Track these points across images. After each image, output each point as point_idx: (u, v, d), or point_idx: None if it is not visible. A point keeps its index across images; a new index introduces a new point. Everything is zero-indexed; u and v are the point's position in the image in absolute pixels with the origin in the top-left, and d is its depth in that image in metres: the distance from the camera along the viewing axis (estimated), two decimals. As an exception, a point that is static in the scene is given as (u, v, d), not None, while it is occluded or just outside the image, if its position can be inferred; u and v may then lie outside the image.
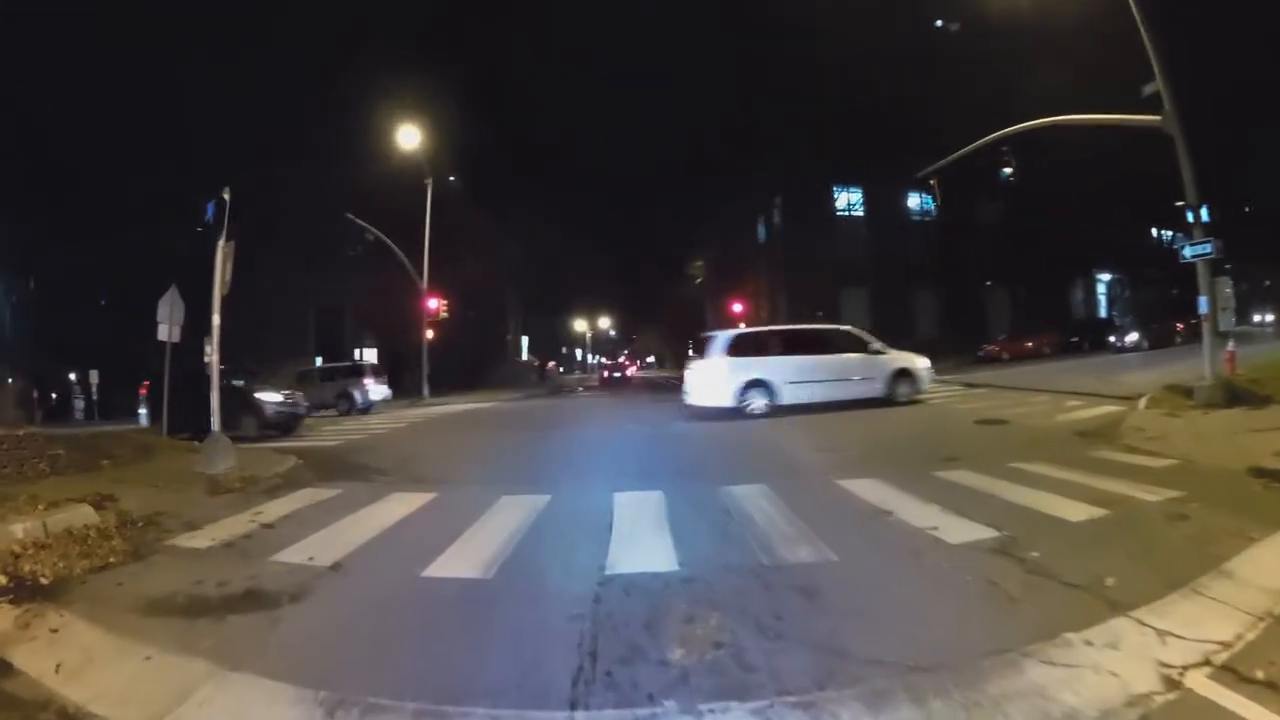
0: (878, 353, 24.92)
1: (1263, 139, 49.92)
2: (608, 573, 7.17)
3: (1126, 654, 5.00)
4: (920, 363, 25.78)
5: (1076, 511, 8.75)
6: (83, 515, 9.38)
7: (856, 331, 26.25)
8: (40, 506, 9.41)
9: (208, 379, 24.87)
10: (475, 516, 9.77)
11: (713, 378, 24.06)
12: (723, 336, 25.21)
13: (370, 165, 47.27)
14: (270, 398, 25.25)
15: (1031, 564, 6.89)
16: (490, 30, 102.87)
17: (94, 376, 53.53)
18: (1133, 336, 49.47)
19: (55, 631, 6.12)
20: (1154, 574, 6.44)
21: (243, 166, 49.83)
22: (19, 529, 8.44)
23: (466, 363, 57.02)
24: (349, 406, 37.32)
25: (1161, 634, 5.27)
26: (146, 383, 26.76)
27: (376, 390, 39.92)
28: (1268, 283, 68.78)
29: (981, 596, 6.19)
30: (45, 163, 55.46)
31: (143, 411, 26.90)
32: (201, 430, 22.27)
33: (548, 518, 9.84)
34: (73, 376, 66.35)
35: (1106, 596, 5.98)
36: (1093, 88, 27.51)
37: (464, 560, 7.83)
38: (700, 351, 25.57)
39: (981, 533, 7.99)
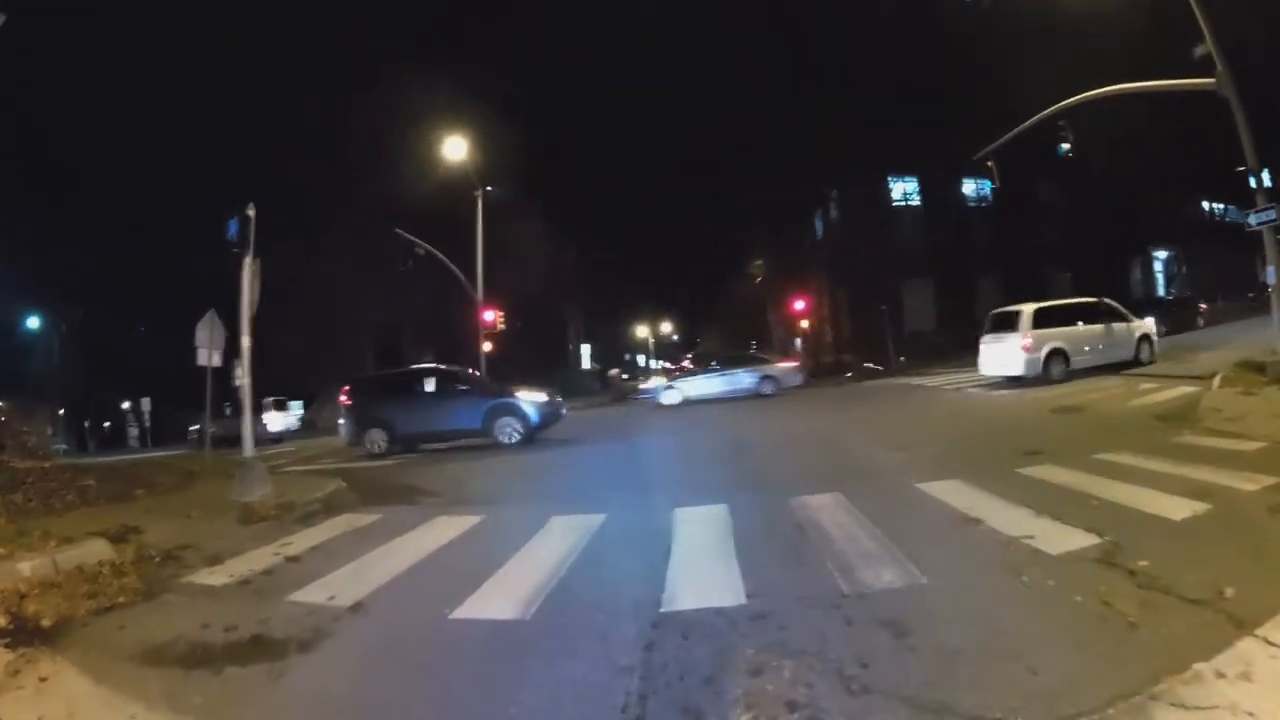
0: (1128, 321, 28.68)
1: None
2: (664, 610, 6.35)
3: (1261, 685, 4.31)
4: (1154, 328, 29.84)
5: (1177, 508, 8.09)
6: (96, 551, 9.02)
7: (1111, 302, 29.39)
8: (53, 542, 9.01)
9: (434, 376, 24.54)
10: (520, 542, 9.07)
11: (1016, 349, 26.80)
12: (1028, 311, 27.16)
13: (421, 177, 46.97)
14: (535, 398, 24.44)
15: (1142, 576, 6.15)
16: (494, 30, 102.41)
17: (146, 404, 53.77)
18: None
19: (44, 680, 5.67)
20: (1272, 579, 5.90)
21: (289, 183, 49.76)
22: (27, 567, 8.11)
23: (528, 374, 56.79)
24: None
25: (1292, 655, 4.59)
26: (349, 387, 25.69)
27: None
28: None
29: (1095, 622, 5.40)
30: (81, 189, 55.88)
31: (342, 423, 25.48)
32: (407, 440, 21.94)
33: (600, 541, 9.10)
34: (125, 405, 66.87)
35: (1229, 611, 5.31)
36: (1140, 58, 26.89)
37: (501, 597, 7.08)
38: (996, 327, 28.49)
39: (1082, 540, 7.25)
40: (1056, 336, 26.73)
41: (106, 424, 74.76)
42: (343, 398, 25.22)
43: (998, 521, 8.21)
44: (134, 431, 63.43)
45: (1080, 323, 27.53)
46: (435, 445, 23.99)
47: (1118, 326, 28.03)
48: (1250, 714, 3.99)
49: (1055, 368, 26.42)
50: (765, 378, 38.56)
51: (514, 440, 22.78)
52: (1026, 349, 26.38)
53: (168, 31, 59.65)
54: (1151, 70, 22.76)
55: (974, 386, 29.07)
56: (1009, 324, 27.55)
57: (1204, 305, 46.54)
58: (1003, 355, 27.59)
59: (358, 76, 57.05)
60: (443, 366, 26.26)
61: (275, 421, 42.89)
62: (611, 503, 11.42)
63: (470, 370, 29.38)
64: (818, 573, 7.06)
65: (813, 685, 4.73)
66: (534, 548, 8.88)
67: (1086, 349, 27.07)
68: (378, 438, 23.77)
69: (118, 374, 64.67)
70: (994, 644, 5.15)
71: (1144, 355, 27.83)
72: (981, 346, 29.20)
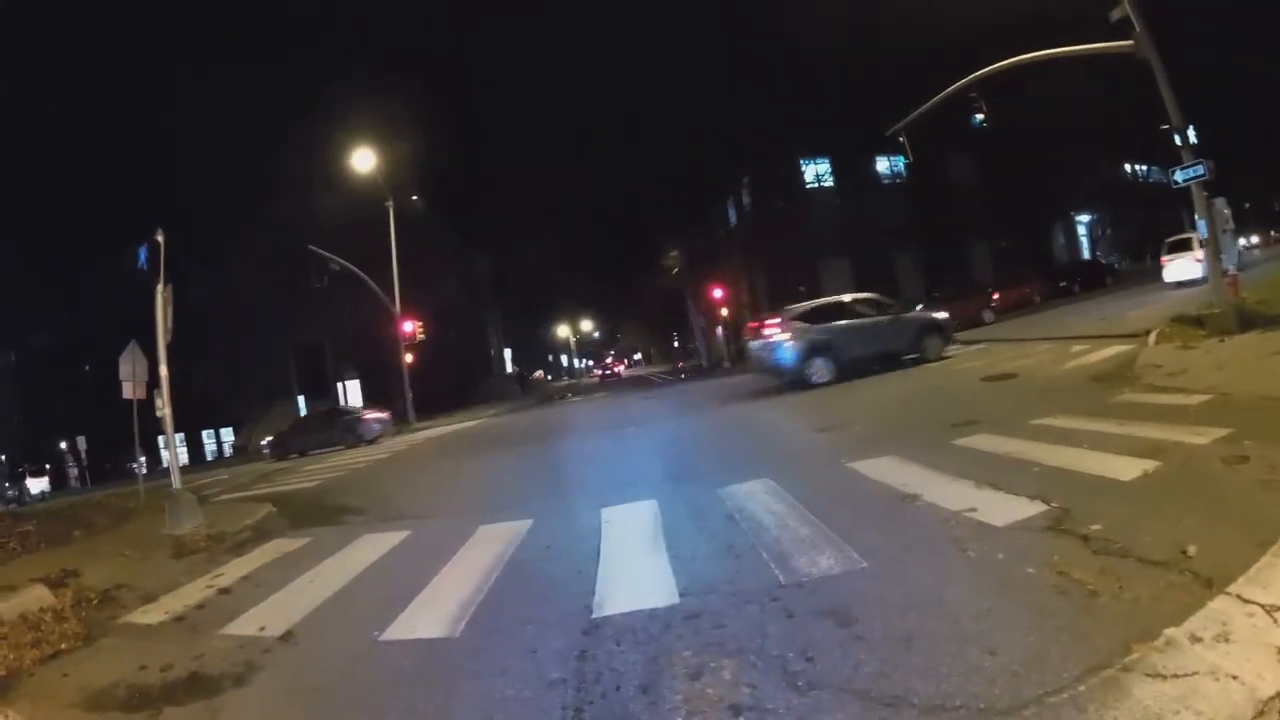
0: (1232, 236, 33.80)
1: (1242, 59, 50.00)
2: (595, 615, 6.11)
3: (1242, 646, 4.11)
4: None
5: (1125, 468, 7.86)
6: (38, 598, 8.81)
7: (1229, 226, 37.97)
8: None
9: (867, 302, 25.95)
10: (448, 555, 8.83)
11: (1192, 260, 34.21)
12: (1196, 236, 30.72)
13: (340, 194, 46.58)
14: (945, 315, 27.96)
15: (1097, 541, 5.96)
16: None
17: (82, 443, 53.11)
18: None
19: None
20: (1236, 532, 5.66)
21: (207, 208, 49.21)
22: (-26, 619, 7.94)
23: (451, 382, 56.48)
24: None
25: (1271, 611, 4.42)
26: (782, 318, 25.82)
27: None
28: (1248, 205, 68.51)
29: (1052, 594, 5.18)
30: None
31: (779, 351, 25.10)
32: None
33: (528, 548, 8.85)
34: (63, 445, 65.99)
35: (1195, 571, 5.13)
36: (1060, 22, 26.89)
37: (429, 615, 6.85)
38: (1173, 250, 37.35)
39: (1028, 508, 7.03)
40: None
41: (48, 466, 73.96)
42: (777, 331, 25.15)
43: (936, 496, 7.99)
44: (74, 471, 62.75)
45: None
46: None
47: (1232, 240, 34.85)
48: (1234, 677, 3.82)
49: (1232, 266, 31.51)
50: (345, 433, 37.61)
51: (938, 356, 25.18)
52: (1198, 260, 32.15)
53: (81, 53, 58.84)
54: (1068, 35, 22.66)
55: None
56: (1184, 246, 36.13)
57: (1028, 286, 47.10)
58: (1182, 267, 36.02)
59: (332, 97, 56.57)
60: (868, 294, 27.42)
61: (34, 486, 42.64)
62: (539, 507, 11.19)
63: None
64: (752, 563, 6.86)
65: (756, 685, 4.51)
66: (461, 560, 8.69)
67: (1233, 250, 33.07)
68: (821, 366, 24.21)
69: (58, 414, 64.05)
70: (945, 626, 4.93)
71: (1244, 260, 32.30)
72: (1164, 263, 38.07)
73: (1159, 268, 39.58)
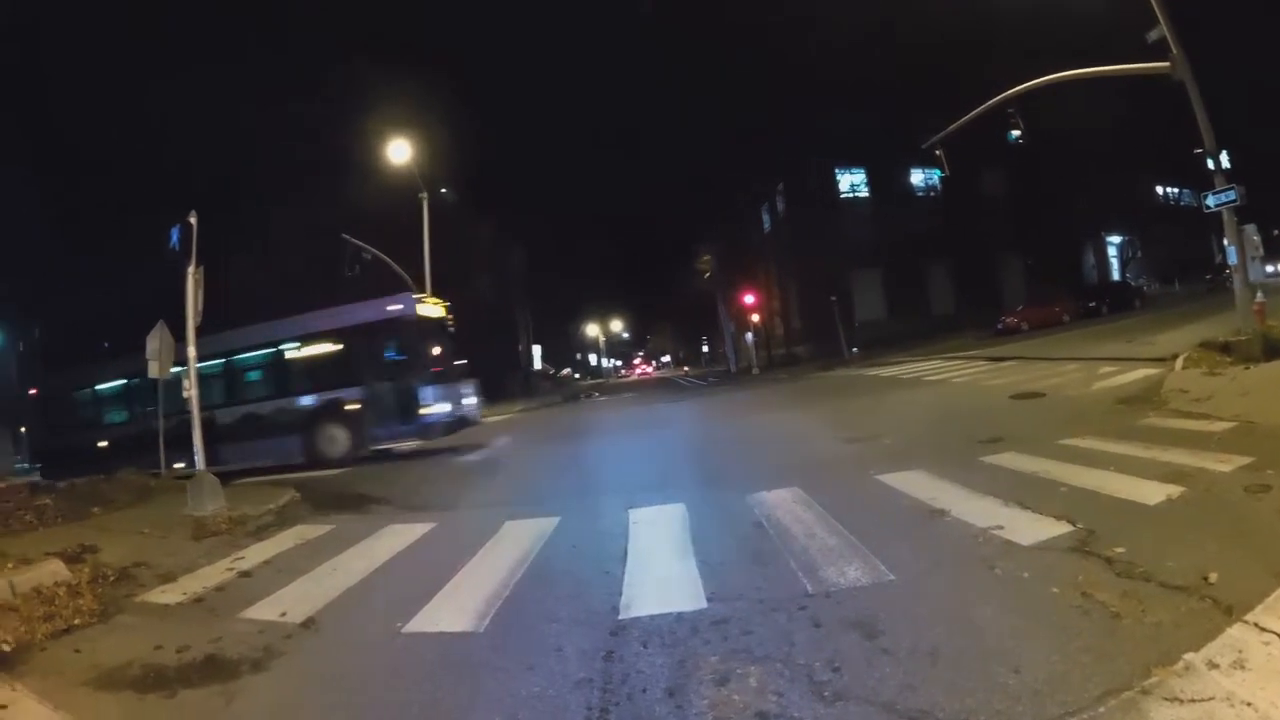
0: None
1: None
2: (622, 617, 6.11)
3: (1257, 674, 4.16)
4: None
5: (1150, 492, 7.92)
6: (52, 572, 8.62)
7: None
8: (11, 564, 8.66)
9: None
10: (474, 549, 8.81)
11: None
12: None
13: (370, 183, 46.47)
14: None
15: (1120, 564, 5.99)
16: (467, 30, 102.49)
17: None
18: None
19: (4, 708, 5.40)
20: (1256, 561, 5.71)
21: (237, 194, 49.12)
22: (-15, 590, 7.82)
23: (479, 377, 56.43)
24: None
25: (1288, 640, 4.42)
26: None
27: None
28: (1277, 232, 68.08)
29: (1076, 615, 5.20)
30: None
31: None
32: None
33: (554, 546, 8.84)
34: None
35: (1214, 598, 5.17)
36: (1094, 43, 26.74)
37: (454, 608, 6.83)
38: None
39: (1054, 528, 7.06)
40: None
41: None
42: None
43: (964, 512, 8.01)
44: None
45: None
46: None
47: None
48: (1248, 704, 3.85)
49: None
50: None
51: None
52: None
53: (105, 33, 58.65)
54: (1105, 55, 22.59)
55: (933, 375, 28.31)
56: None
57: (1059, 306, 47.25)
58: None
59: (301, 79, 56.32)
60: None
61: None
62: (566, 505, 11.16)
63: None
64: (780, 571, 6.87)
65: (783, 693, 4.52)
66: (487, 554, 8.66)
67: None
68: None
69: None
70: (971, 642, 4.96)
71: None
72: None
73: (1188, 292, 39.77)
